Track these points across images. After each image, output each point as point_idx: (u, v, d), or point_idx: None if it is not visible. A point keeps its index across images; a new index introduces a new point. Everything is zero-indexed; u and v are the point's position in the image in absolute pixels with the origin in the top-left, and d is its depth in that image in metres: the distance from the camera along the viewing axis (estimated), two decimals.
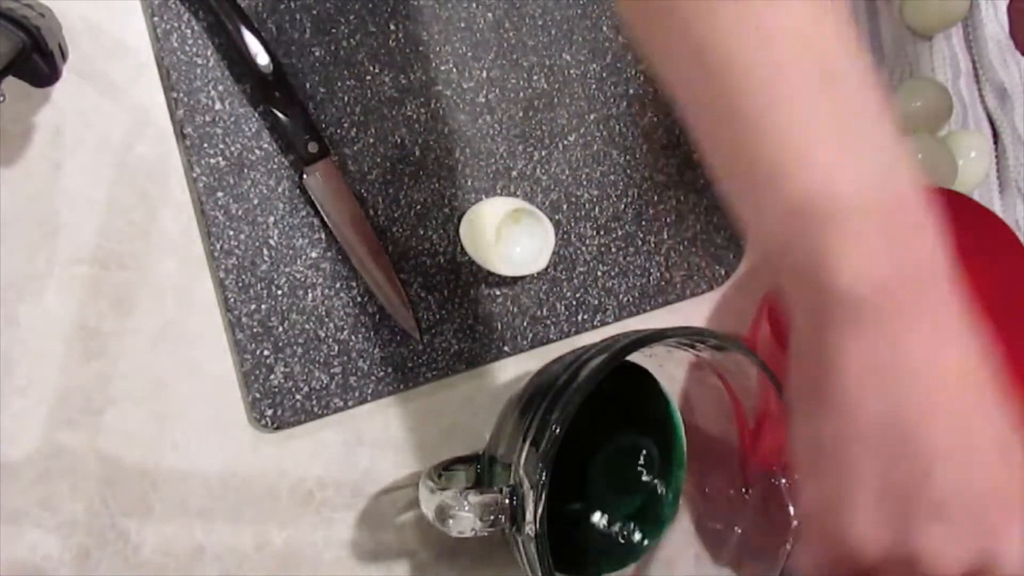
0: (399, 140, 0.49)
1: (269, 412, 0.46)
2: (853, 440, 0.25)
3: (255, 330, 0.46)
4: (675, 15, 0.24)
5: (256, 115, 0.46)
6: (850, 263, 0.23)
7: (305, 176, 0.46)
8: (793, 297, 0.25)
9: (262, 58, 0.45)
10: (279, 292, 0.47)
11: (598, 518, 0.52)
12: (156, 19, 0.45)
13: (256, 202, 0.46)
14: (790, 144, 0.24)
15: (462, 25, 0.51)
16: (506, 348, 0.51)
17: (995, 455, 0.25)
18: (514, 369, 0.52)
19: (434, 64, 0.50)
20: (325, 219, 0.47)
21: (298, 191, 0.47)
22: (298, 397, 0.47)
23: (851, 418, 0.24)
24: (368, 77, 0.49)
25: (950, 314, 0.25)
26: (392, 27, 0.49)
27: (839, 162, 0.24)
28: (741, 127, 0.24)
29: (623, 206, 0.55)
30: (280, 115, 0.46)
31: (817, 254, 0.24)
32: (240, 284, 0.46)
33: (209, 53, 0.46)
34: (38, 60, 0.39)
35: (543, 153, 0.53)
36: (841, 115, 0.24)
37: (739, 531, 0.49)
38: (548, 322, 0.53)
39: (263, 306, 0.46)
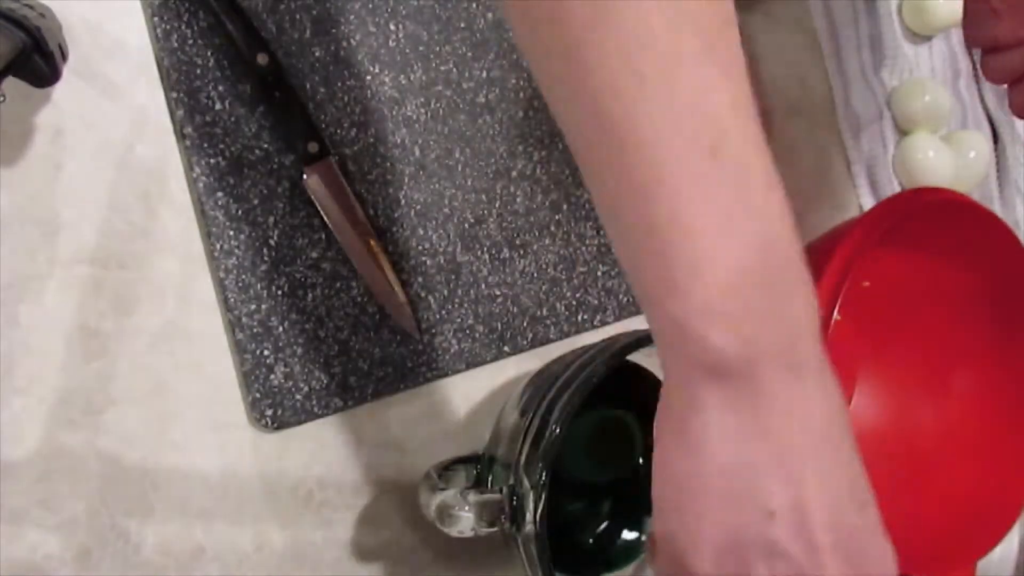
0: (399, 140, 0.49)
1: (269, 412, 0.46)
2: (704, 482, 0.27)
3: (255, 330, 0.46)
4: (573, 58, 0.24)
5: (256, 115, 0.46)
6: (724, 325, 0.25)
7: (305, 176, 0.46)
8: (665, 344, 0.27)
9: (262, 58, 0.45)
10: (279, 292, 0.47)
11: (598, 518, 0.52)
12: (156, 19, 0.45)
13: (256, 202, 0.46)
14: (677, 216, 0.25)
15: (462, 25, 0.51)
16: (506, 348, 0.51)
17: (852, 527, 0.27)
18: (514, 369, 0.52)
19: (434, 64, 0.50)
20: (325, 219, 0.47)
21: (298, 191, 0.47)
22: (298, 397, 0.47)
23: (706, 461, 0.26)
24: (368, 77, 0.49)
25: (812, 373, 0.26)
26: (392, 27, 0.49)
27: (721, 235, 0.25)
28: (629, 188, 0.25)
29: None
30: (280, 115, 0.46)
31: (693, 314, 0.25)
32: (240, 284, 0.46)
33: (209, 53, 0.46)
34: (38, 60, 0.39)
35: (543, 153, 0.53)
36: (729, 186, 0.25)
37: None
38: (548, 322, 0.53)
39: (263, 306, 0.46)
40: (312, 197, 0.47)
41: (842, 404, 0.27)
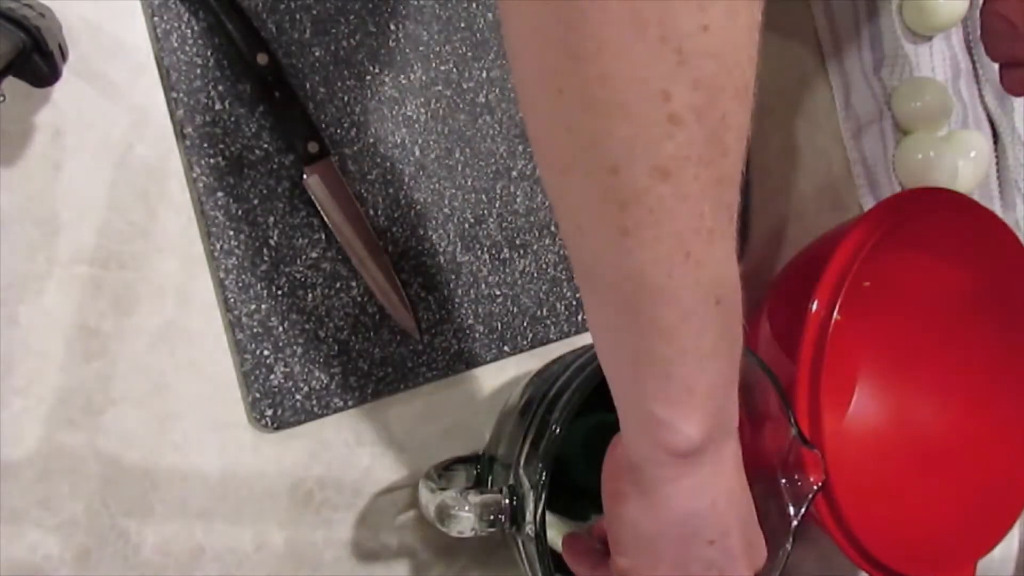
0: (399, 140, 0.49)
1: (269, 412, 0.46)
2: (663, 531, 0.35)
3: (255, 330, 0.46)
4: (630, 235, 0.27)
5: (256, 115, 0.46)
6: (701, 423, 0.31)
7: (305, 176, 0.46)
8: (642, 434, 0.33)
9: (262, 58, 0.45)
10: (279, 292, 0.47)
11: (599, 518, 0.52)
12: (156, 19, 0.45)
13: (256, 202, 0.46)
14: (681, 351, 0.30)
15: (462, 25, 0.51)
16: (506, 348, 0.51)
17: (749, 531, 0.37)
18: (514, 369, 0.52)
19: (434, 64, 0.50)
20: (325, 219, 0.47)
21: (298, 191, 0.47)
22: (298, 397, 0.47)
23: (666, 516, 0.34)
24: (368, 77, 0.49)
25: (732, 456, 0.35)
26: (392, 27, 0.49)
27: (712, 359, 0.30)
28: (645, 328, 0.29)
29: None
30: (280, 115, 0.46)
31: (679, 417, 0.31)
32: (240, 284, 0.46)
33: (209, 53, 0.46)
34: (38, 60, 0.39)
35: None
36: (721, 323, 0.30)
37: None
38: (548, 322, 0.53)
39: (263, 306, 0.46)
40: (312, 197, 0.47)
41: (738, 444, 0.36)
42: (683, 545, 0.35)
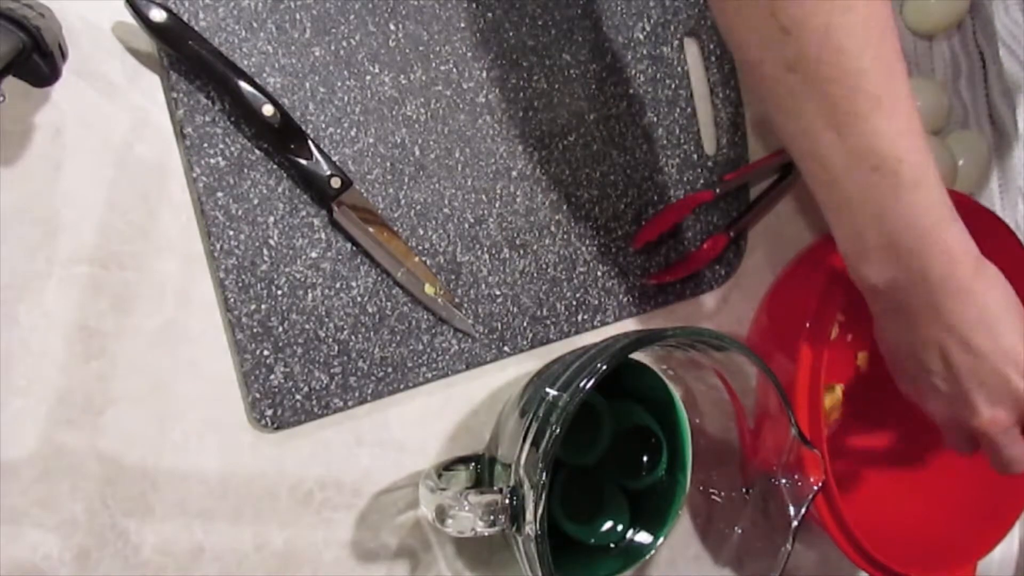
0: (399, 140, 0.49)
1: (269, 412, 0.46)
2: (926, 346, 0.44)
3: (255, 330, 0.46)
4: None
5: (256, 115, 0.46)
6: (948, 255, 0.42)
7: (335, 211, 0.46)
8: (892, 283, 0.43)
9: (268, 110, 0.44)
10: (279, 292, 0.47)
11: (599, 517, 0.52)
12: None
13: (256, 202, 0.46)
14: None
15: (462, 25, 0.51)
16: (506, 348, 0.51)
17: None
18: (514, 369, 0.52)
19: (434, 64, 0.50)
20: (363, 247, 0.47)
21: (298, 192, 0.47)
22: (298, 397, 0.47)
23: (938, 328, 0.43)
24: (368, 77, 0.49)
25: (985, 267, 0.44)
26: (392, 27, 0.49)
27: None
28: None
29: (623, 206, 0.55)
30: (297, 162, 0.46)
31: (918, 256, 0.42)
32: (240, 284, 0.46)
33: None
34: (38, 60, 0.39)
35: (543, 153, 0.53)
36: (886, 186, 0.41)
37: (739, 531, 0.49)
38: (548, 322, 0.53)
39: (263, 306, 0.46)
40: (346, 231, 0.47)
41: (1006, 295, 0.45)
42: (945, 356, 0.44)
